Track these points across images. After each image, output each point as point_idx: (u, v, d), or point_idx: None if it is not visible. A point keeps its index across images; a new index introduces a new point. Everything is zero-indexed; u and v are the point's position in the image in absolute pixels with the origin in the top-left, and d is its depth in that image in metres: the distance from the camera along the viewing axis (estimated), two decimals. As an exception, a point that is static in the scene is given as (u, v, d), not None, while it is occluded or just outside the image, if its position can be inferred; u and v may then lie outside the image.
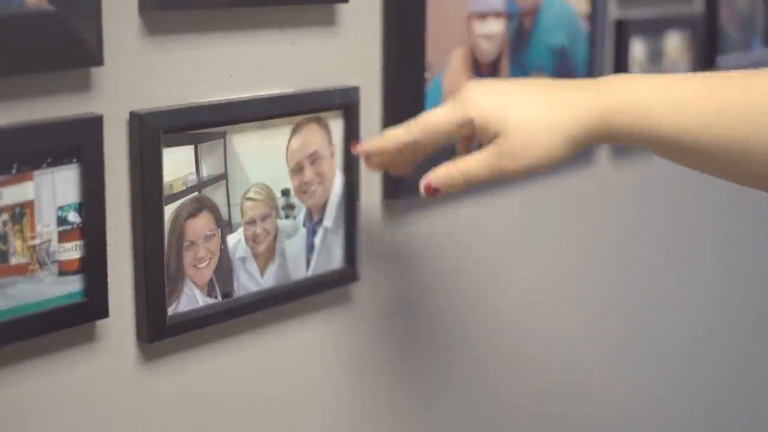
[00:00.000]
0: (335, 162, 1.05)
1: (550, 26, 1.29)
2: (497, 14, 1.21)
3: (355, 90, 1.05)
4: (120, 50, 0.87)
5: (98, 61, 0.84)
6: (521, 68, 1.25)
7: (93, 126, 0.85)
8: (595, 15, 1.35)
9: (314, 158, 1.03)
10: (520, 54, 1.25)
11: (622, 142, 0.93)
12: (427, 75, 1.13)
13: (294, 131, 1.01)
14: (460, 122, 0.92)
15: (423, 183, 0.93)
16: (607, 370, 1.53)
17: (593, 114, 0.89)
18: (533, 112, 0.91)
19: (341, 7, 1.04)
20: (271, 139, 0.99)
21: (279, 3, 0.98)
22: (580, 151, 0.92)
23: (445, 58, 1.15)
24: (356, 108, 1.05)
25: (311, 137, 1.02)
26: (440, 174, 0.93)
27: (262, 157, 0.98)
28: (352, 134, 1.05)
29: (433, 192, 0.93)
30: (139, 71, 0.89)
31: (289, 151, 1.01)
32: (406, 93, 1.11)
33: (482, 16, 1.19)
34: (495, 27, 1.21)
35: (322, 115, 1.03)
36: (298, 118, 1.01)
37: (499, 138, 0.91)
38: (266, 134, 0.98)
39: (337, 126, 1.05)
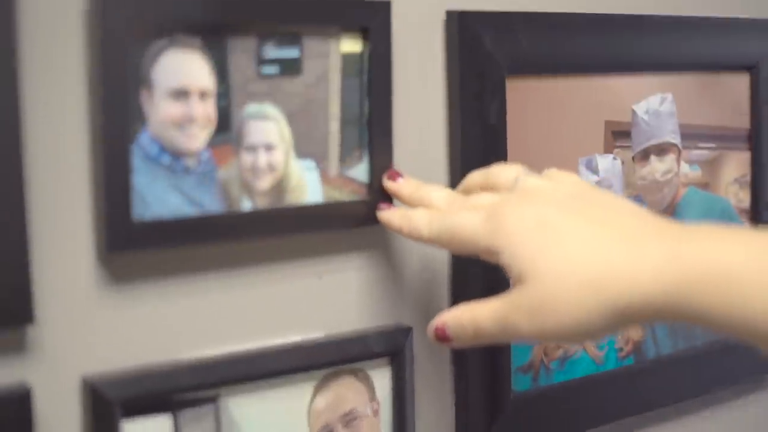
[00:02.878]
0: (380, 422, 0.83)
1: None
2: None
3: (405, 332, 0.84)
4: (66, 302, 0.70)
5: (27, 317, 0.67)
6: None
7: (20, 401, 0.67)
8: (758, 210, 1.10)
9: (350, 419, 0.81)
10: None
11: (692, 323, 0.65)
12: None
13: (319, 387, 0.80)
14: (484, 249, 0.71)
15: (434, 324, 0.73)
16: None
17: (663, 281, 0.64)
18: (573, 258, 0.67)
19: (386, 230, 0.84)
20: (286, 399, 0.78)
21: (298, 230, 0.78)
22: (629, 327, 0.67)
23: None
24: (406, 354, 0.83)
25: (345, 393, 0.81)
26: (450, 320, 0.72)
27: (272, 424, 0.78)
28: (403, 378, 0.83)
29: (444, 339, 0.72)
30: (98, 327, 0.71)
31: (312, 412, 0.80)
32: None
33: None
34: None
35: (360, 365, 0.82)
36: (325, 372, 0.80)
37: (518, 284, 0.68)
38: (279, 394, 0.78)
39: (381, 377, 0.83)
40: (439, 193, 0.78)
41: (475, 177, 0.79)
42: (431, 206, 0.77)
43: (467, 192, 0.79)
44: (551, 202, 0.71)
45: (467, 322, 0.71)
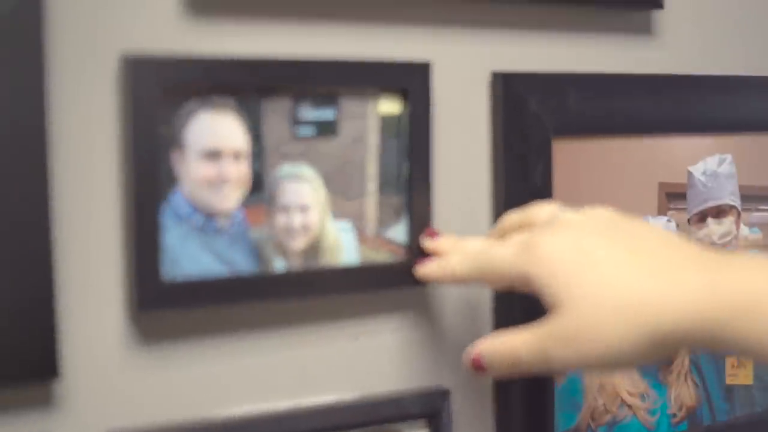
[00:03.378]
0: (416, 487, 0.82)
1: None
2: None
3: (442, 394, 0.83)
4: (94, 359, 0.71)
5: (52, 372, 0.68)
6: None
7: (44, 456, 0.68)
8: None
9: (384, 482, 0.81)
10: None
11: (727, 352, 0.65)
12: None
13: (352, 449, 0.79)
14: (518, 276, 0.70)
15: (471, 354, 0.72)
16: None
17: (698, 309, 0.63)
18: (608, 283, 0.66)
19: (424, 291, 0.83)
20: (317, 461, 0.78)
21: (333, 291, 0.78)
22: (665, 355, 0.67)
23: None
24: (443, 416, 0.82)
25: (380, 456, 0.81)
26: (486, 350, 0.71)
27: (302, 485, 0.77)
28: None
29: (480, 369, 0.72)
30: (125, 385, 0.72)
31: (344, 476, 0.79)
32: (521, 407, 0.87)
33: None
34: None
35: (397, 427, 0.81)
36: (358, 433, 0.80)
37: (553, 311, 0.67)
38: (310, 455, 0.78)
39: (418, 440, 0.82)
40: (476, 242, 0.78)
41: (513, 217, 0.79)
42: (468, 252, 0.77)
43: (504, 232, 0.79)
44: (587, 231, 0.70)
45: (504, 352, 0.71)
